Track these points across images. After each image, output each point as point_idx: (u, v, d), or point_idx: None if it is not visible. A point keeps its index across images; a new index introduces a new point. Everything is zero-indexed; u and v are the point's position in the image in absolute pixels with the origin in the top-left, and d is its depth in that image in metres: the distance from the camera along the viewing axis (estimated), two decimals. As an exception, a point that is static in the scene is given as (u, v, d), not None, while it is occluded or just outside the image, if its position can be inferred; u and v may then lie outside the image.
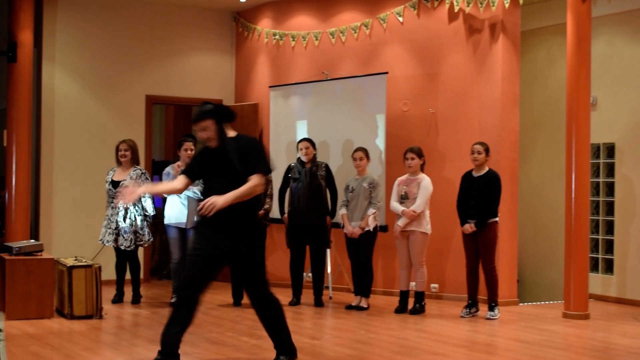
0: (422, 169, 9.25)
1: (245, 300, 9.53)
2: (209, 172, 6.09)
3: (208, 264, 6.02)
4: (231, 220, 5.94)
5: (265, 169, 6.03)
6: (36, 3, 10.59)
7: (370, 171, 9.45)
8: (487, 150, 8.92)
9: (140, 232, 9.56)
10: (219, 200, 5.81)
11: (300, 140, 9.77)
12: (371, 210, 9.24)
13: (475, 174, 8.98)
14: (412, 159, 9.15)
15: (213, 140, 6.04)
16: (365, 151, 9.44)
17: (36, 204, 11.10)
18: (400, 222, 9.05)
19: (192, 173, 6.19)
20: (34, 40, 10.45)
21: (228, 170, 5.98)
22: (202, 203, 5.88)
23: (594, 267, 10.58)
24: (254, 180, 5.94)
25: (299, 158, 9.71)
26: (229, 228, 5.95)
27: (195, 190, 9.12)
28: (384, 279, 10.54)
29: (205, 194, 6.02)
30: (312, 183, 9.54)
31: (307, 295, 9.83)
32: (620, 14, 10.39)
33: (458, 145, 10.02)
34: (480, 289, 9.03)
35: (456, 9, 10.06)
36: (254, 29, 11.98)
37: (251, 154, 6.01)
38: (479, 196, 8.85)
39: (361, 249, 9.30)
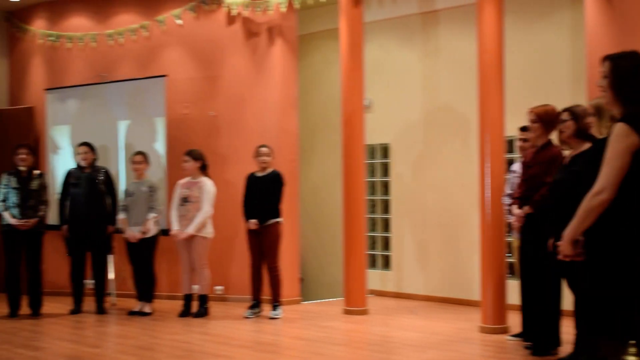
0: (204, 172, 9.24)
1: (23, 310, 9.20)
2: None
3: None
4: None
5: None
6: None
7: (149, 175, 9.36)
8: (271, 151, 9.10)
9: None
10: None
11: (79, 145, 9.50)
12: (151, 215, 9.15)
13: (259, 174, 9.06)
14: (186, 161, 9.15)
15: None
16: (144, 155, 9.34)
17: None
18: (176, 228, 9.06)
19: None
20: None
21: None
22: None
23: (373, 264, 10.96)
24: None
25: (78, 163, 9.46)
26: None
27: None
28: (169, 283, 10.44)
29: None
30: (91, 189, 9.31)
31: (91, 304, 9.58)
32: (391, 19, 10.81)
33: (239, 147, 10.08)
34: (265, 289, 9.14)
35: (234, 12, 10.13)
36: (27, 29, 11.54)
37: None
38: (262, 196, 8.93)
39: (141, 254, 9.19)
